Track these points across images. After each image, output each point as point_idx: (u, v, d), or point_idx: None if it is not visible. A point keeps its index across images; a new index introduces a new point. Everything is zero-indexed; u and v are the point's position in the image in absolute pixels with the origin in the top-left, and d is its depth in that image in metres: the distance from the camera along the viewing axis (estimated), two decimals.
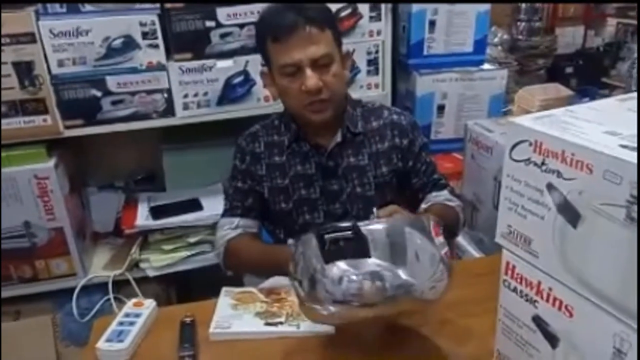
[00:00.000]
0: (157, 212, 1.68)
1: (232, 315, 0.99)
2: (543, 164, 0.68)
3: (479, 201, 1.49)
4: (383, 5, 1.60)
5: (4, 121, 1.44)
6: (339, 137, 1.22)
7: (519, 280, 0.77)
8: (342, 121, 1.22)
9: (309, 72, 1.10)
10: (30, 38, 1.39)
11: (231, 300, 1.04)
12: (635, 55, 2.48)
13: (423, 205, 1.27)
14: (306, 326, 0.94)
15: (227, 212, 1.28)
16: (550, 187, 0.68)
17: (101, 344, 0.92)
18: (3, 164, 1.47)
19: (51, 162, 1.51)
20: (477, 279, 1.04)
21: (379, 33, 1.62)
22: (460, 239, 1.56)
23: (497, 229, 0.79)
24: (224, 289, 1.07)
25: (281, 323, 0.96)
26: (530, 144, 0.70)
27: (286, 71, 1.12)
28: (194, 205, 1.70)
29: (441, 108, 1.78)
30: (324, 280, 0.78)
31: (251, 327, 0.96)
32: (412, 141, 1.25)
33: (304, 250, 0.81)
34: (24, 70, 1.41)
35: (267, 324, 0.96)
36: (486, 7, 1.76)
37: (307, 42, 1.09)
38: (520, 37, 2.60)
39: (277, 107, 1.57)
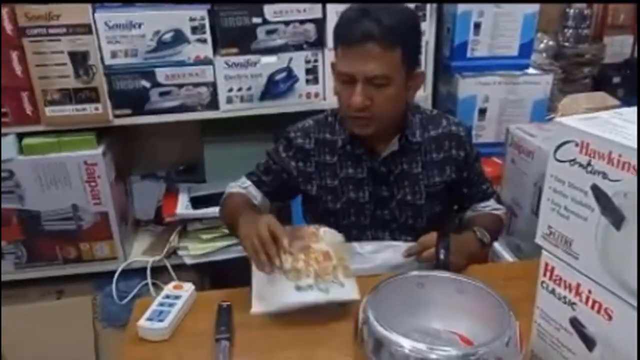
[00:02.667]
0: (196, 202, 1.73)
1: (266, 281, 1.01)
2: (588, 164, 0.68)
3: (518, 206, 1.47)
4: (428, 6, 1.60)
5: (58, 108, 1.51)
6: (395, 145, 1.20)
7: (557, 282, 0.76)
8: (400, 129, 1.20)
9: (359, 88, 1.08)
10: (87, 29, 1.45)
11: None
12: None
13: (470, 213, 1.31)
14: (335, 292, 0.97)
15: (248, 175, 1.31)
16: (595, 188, 0.67)
17: (142, 322, 0.95)
18: (55, 149, 1.55)
19: (100, 149, 1.57)
20: (512, 282, 1.03)
21: (423, 33, 1.62)
22: (496, 244, 1.54)
23: (538, 230, 0.78)
24: None
25: (310, 287, 0.97)
26: (577, 145, 0.69)
27: (342, 78, 1.12)
28: None
29: (483, 111, 1.77)
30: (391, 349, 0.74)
31: (284, 297, 0.98)
32: (469, 153, 1.25)
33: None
34: (80, 60, 1.48)
35: (298, 287, 0.97)
36: (534, 8, 1.73)
37: (367, 59, 1.06)
38: (566, 44, 2.54)
39: (319, 104, 1.61)
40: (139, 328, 0.95)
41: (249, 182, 1.28)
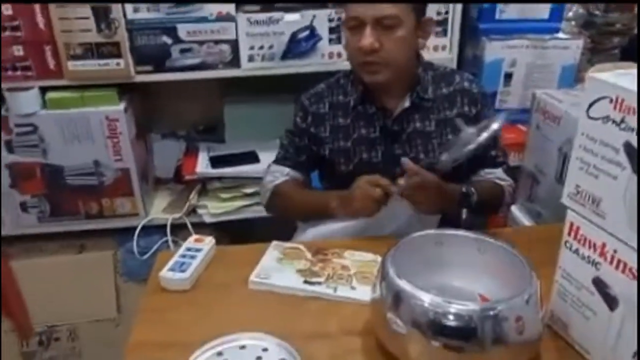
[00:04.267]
0: (216, 161, 1.73)
1: (275, 267, 1.01)
2: (622, 121, 0.66)
3: (541, 173, 1.45)
4: None
5: (80, 62, 1.51)
6: (407, 102, 1.19)
7: (582, 241, 0.75)
8: (411, 85, 1.19)
9: (367, 30, 1.08)
10: None
11: (278, 254, 1.06)
12: None
13: (473, 178, 1.27)
14: (343, 290, 0.95)
15: (280, 161, 1.30)
16: (627, 145, 0.66)
17: (164, 273, 0.97)
18: (77, 103, 1.55)
19: (122, 106, 1.57)
20: (532, 245, 1.02)
21: None
22: (516, 211, 1.53)
23: (564, 190, 0.77)
24: (273, 243, 1.10)
25: (319, 283, 0.97)
26: (611, 101, 0.67)
27: (350, 24, 1.12)
28: (252, 157, 1.74)
29: (508, 76, 1.72)
30: (410, 303, 0.74)
31: (289, 282, 0.97)
32: (479, 112, 1.22)
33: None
34: (102, 14, 1.46)
35: (306, 282, 0.97)
36: None
37: None
38: (596, 12, 2.46)
39: (342, 64, 1.58)
40: (161, 278, 0.97)
41: (287, 169, 1.27)
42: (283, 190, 1.26)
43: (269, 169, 1.32)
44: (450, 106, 1.21)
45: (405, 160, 1.08)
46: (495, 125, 1.02)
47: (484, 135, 1.01)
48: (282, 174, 1.27)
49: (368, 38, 1.08)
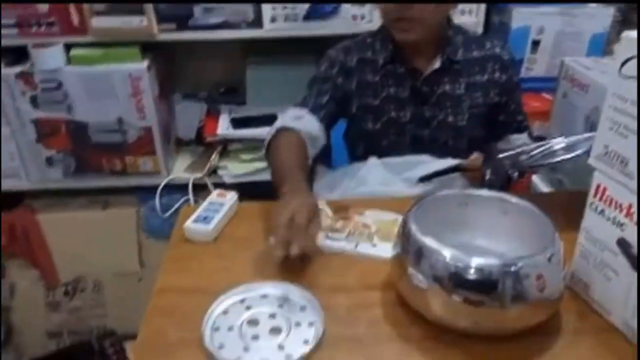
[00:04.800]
0: (237, 123, 1.74)
1: None
2: None
3: None
4: None
5: (104, 18, 1.51)
6: (437, 63, 1.19)
7: (608, 202, 0.75)
8: (441, 46, 1.19)
9: None
10: None
11: None
12: None
13: (500, 143, 1.30)
14: (363, 247, 0.96)
15: (299, 104, 1.24)
16: None
17: (189, 224, 0.99)
18: (101, 60, 1.56)
19: (145, 64, 1.58)
20: (552, 209, 1.01)
21: None
22: (537, 179, 1.52)
23: (592, 150, 0.77)
24: None
25: (340, 239, 0.98)
26: None
27: None
28: (273, 120, 1.72)
29: (536, 44, 1.69)
30: (432, 259, 0.74)
31: None
32: (510, 78, 1.23)
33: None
34: None
35: (327, 237, 0.98)
36: None
37: None
38: None
39: (365, 26, 1.57)
40: (185, 229, 0.99)
41: (304, 110, 1.19)
42: (281, 140, 1.13)
43: (286, 110, 1.22)
44: (481, 71, 1.21)
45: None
46: (580, 151, 0.98)
47: (572, 154, 0.98)
48: (295, 116, 1.18)
49: None
